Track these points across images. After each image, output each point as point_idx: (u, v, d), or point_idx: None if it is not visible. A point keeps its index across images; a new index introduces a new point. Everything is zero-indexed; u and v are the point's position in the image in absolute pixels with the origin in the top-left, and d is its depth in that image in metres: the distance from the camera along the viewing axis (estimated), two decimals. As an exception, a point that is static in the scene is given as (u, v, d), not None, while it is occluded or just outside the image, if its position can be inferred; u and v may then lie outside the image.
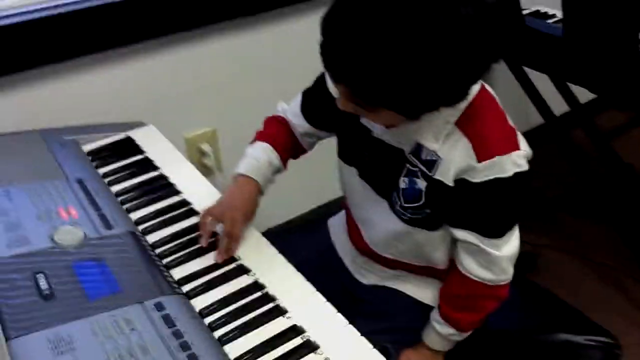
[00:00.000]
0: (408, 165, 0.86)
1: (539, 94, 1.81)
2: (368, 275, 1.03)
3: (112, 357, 0.70)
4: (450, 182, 0.82)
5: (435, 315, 0.95)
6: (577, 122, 1.91)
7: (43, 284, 0.80)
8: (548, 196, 2.02)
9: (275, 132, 1.04)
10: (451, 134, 0.82)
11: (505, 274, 0.88)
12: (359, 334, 0.77)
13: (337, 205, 1.14)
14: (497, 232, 0.85)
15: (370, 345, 0.76)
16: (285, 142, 1.03)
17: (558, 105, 1.85)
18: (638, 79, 1.40)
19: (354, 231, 1.03)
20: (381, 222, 0.94)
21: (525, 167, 0.82)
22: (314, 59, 1.43)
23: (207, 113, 1.54)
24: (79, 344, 0.71)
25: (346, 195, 1.03)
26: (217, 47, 1.49)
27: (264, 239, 0.95)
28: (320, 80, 0.99)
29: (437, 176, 0.83)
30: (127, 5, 1.30)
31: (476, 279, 0.88)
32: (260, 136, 1.04)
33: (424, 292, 0.99)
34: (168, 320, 0.76)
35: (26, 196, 0.98)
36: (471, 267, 0.88)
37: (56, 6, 1.24)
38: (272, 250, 0.92)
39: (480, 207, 0.83)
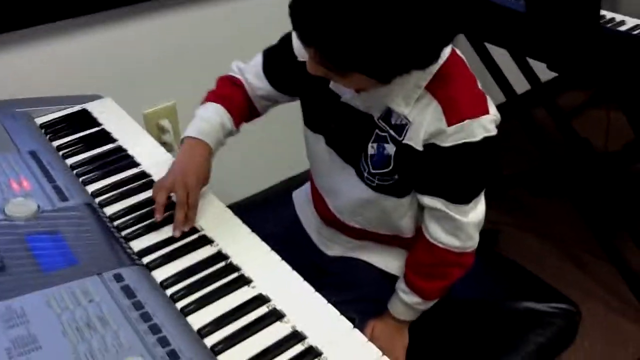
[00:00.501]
0: (377, 131, 0.85)
1: (501, 71, 1.82)
2: (333, 247, 1.02)
3: (68, 329, 0.67)
4: (419, 147, 0.81)
5: (401, 284, 0.94)
6: (538, 100, 1.93)
7: (-7, 256, 0.76)
8: (508, 174, 2.05)
9: (229, 94, 0.99)
10: (421, 97, 0.81)
11: (471, 241, 0.88)
12: (325, 301, 0.76)
13: (302, 178, 1.13)
14: (464, 198, 0.84)
15: (338, 313, 0.75)
16: (239, 104, 0.99)
17: (520, 85, 1.87)
18: (598, 56, 1.42)
19: (319, 202, 1.01)
20: (348, 190, 0.92)
21: (494, 132, 0.81)
22: (276, 31, 1.41)
23: (166, 87, 1.50)
24: (33, 317, 0.68)
25: (312, 165, 1.01)
26: (176, 19, 1.45)
27: (228, 210, 0.92)
28: (285, 41, 0.95)
29: (407, 141, 0.82)
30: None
31: (443, 246, 0.88)
32: (213, 96, 0.99)
33: (389, 262, 0.99)
34: (128, 292, 0.74)
35: (-27, 168, 0.93)
36: (438, 234, 0.88)
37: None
38: (236, 221, 0.90)
39: (448, 173, 0.83)
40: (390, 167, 0.85)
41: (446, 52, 0.81)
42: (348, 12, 0.67)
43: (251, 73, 0.99)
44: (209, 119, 0.95)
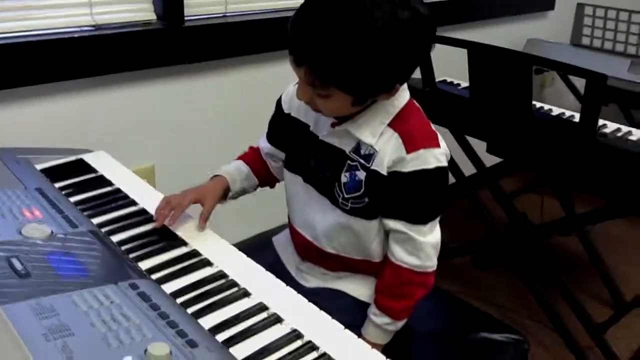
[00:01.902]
0: (349, 162, 1.02)
1: (453, 158, 2.04)
2: (310, 279, 1.14)
3: (96, 322, 0.75)
4: (384, 172, 0.98)
5: (372, 308, 1.06)
6: (482, 182, 2.16)
7: (18, 265, 0.83)
8: (454, 245, 2.23)
9: (247, 153, 1.24)
10: (385, 132, 0.99)
11: (430, 261, 1.02)
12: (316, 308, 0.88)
13: (280, 228, 1.26)
14: (422, 219, 1.00)
15: (317, 308, 0.87)
16: (254, 159, 1.22)
17: (466, 168, 2.10)
18: (530, 138, 1.65)
19: (297, 238, 1.14)
20: (323, 218, 1.07)
21: (444, 163, 0.99)
22: (253, 106, 1.59)
23: (146, 149, 1.61)
24: (62, 312, 0.75)
25: (290, 205, 1.16)
26: (160, 88, 1.59)
27: (225, 241, 1.03)
28: (277, 103, 1.17)
29: (374, 167, 0.99)
30: (73, 42, 1.38)
31: (405, 265, 1.02)
32: (237, 158, 1.23)
33: (362, 290, 1.10)
34: (144, 297, 0.82)
35: (-13, 199, 1.01)
36: (401, 255, 1.02)
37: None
38: (232, 248, 1.01)
39: (408, 196, 0.99)
40: (362, 191, 1.01)
41: (406, 96, 1.01)
42: (334, 36, 0.87)
43: (262, 139, 1.23)
44: (227, 166, 1.19)
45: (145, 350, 0.71)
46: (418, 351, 1.14)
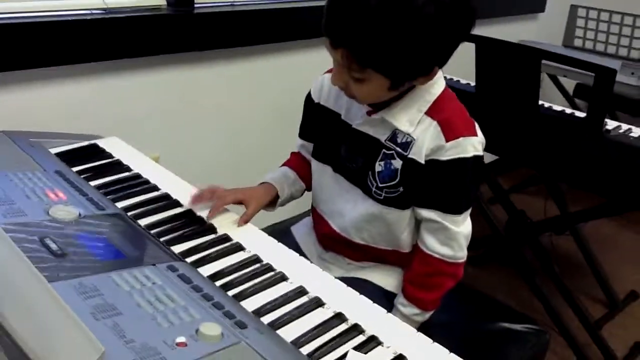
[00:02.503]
0: (384, 150, 1.01)
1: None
2: (334, 269, 1.12)
3: (142, 302, 0.72)
4: (422, 160, 0.97)
5: (399, 298, 1.05)
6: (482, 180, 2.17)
7: (52, 245, 0.80)
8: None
9: (291, 158, 1.25)
10: (423, 120, 0.98)
11: (462, 251, 1.02)
12: (352, 290, 0.87)
13: (298, 218, 1.25)
14: (456, 208, 0.99)
15: (356, 292, 0.86)
16: (298, 163, 1.22)
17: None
18: (538, 136, 1.66)
19: (323, 226, 1.12)
20: (354, 208, 1.05)
21: (481, 153, 0.99)
22: (261, 96, 1.56)
23: (153, 139, 1.58)
24: (106, 292, 0.73)
25: (317, 194, 1.14)
26: (168, 76, 1.56)
27: (255, 227, 1.01)
28: (306, 98, 1.16)
29: (412, 155, 0.98)
30: (84, 24, 1.34)
31: (437, 255, 1.01)
32: (281, 165, 1.23)
33: (387, 280, 1.10)
34: (184, 279, 0.80)
35: (7, 180, 0.97)
36: (433, 245, 1.01)
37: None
38: (264, 235, 0.99)
39: (445, 185, 0.98)
40: (397, 180, 1.00)
41: (442, 84, 1.00)
42: (373, 16, 0.85)
43: (297, 139, 1.22)
44: (274, 172, 1.20)
45: (197, 330, 0.69)
46: (438, 341, 1.13)
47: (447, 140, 0.95)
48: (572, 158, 1.63)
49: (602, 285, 2.23)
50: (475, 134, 0.98)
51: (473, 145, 0.97)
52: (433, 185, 0.98)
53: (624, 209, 1.99)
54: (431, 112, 0.98)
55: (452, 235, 1.00)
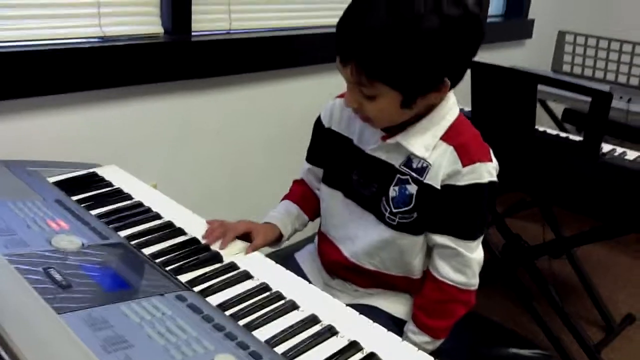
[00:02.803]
0: (399, 175, 0.99)
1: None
2: (341, 296, 1.10)
3: (153, 334, 0.70)
4: (438, 186, 0.96)
5: (409, 326, 1.03)
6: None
7: (57, 275, 0.78)
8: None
9: (294, 189, 1.23)
10: (438, 146, 0.97)
11: (475, 279, 1.01)
12: (364, 318, 0.85)
13: (300, 245, 1.24)
14: (471, 234, 0.98)
15: (370, 320, 0.84)
16: (301, 193, 1.20)
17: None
18: (534, 160, 1.66)
19: (332, 253, 1.10)
20: (366, 234, 1.04)
21: (495, 179, 0.98)
22: (259, 125, 1.54)
23: (149, 167, 1.56)
24: (115, 323, 0.71)
25: (326, 219, 1.12)
26: (165, 104, 1.55)
27: (260, 254, 0.99)
28: (316, 123, 1.15)
29: (427, 180, 0.97)
30: (81, 52, 1.33)
31: (451, 282, 0.99)
32: (283, 197, 1.21)
33: (396, 306, 1.08)
34: (194, 309, 0.78)
35: (7, 209, 0.95)
36: (446, 271, 0.99)
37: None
38: (270, 262, 0.97)
39: (460, 210, 0.97)
40: (412, 205, 0.99)
41: (456, 110, 1.00)
42: (378, 27, 0.86)
43: (304, 164, 1.21)
44: (275, 210, 1.17)
45: (212, 362, 0.67)
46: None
47: (463, 165, 0.95)
48: (568, 181, 1.63)
49: (598, 308, 2.22)
50: (491, 160, 0.98)
51: (489, 171, 0.96)
52: (448, 210, 0.97)
53: (620, 232, 1.99)
54: (447, 138, 0.97)
55: (465, 262, 0.99)
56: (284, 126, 1.85)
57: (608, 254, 2.74)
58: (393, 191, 1.00)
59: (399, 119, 0.97)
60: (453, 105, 0.99)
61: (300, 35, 1.80)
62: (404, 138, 0.98)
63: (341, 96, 1.11)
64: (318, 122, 1.14)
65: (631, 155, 1.76)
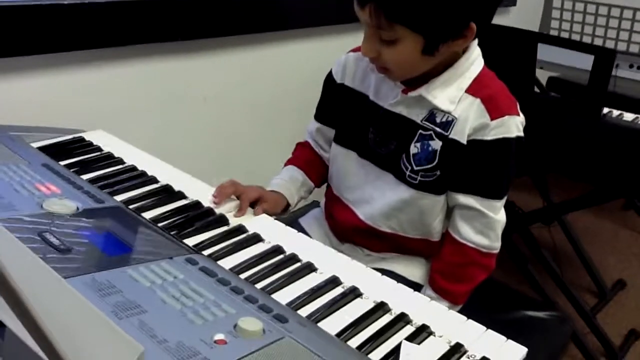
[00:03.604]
0: (421, 131, 0.93)
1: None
2: (352, 262, 1.05)
3: (167, 298, 0.63)
4: (464, 141, 0.90)
5: (427, 290, 0.98)
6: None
7: (54, 240, 0.70)
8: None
9: (297, 153, 1.15)
10: (464, 99, 0.91)
11: (497, 241, 0.96)
12: (389, 279, 0.80)
13: (304, 210, 1.18)
14: (497, 193, 0.93)
15: (393, 280, 0.80)
16: (306, 158, 1.12)
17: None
18: (534, 119, 1.62)
19: (344, 216, 1.04)
20: (383, 195, 0.98)
21: (522, 134, 0.92)
22: (250, 89, 1.45)
23: (136, 134, 1.47)
24: (124, 288, 0.64)
25: (339, 181, 1.06)
26: (151, 67, 1.45)
27: (269, 217, 0.93)
28: (327, 79, 1.08)
29: (453, 135, 0.91)
30: (58, 10, 1.23)
31: (472, 245, 0.94)
32: (287, 162, 1.14)
33: (412, 270, 1.03)
34: (208, 271, 0.71)
35: (-9, 173, 0.87)
36: (468, 233, 0.94)
37: None
38: (281, 225, 0.91)
39: (486, 167, 0.91)
40: (435, 162, 0.93)
41: (481, 62, 0.93)
42: None
43: (308, 129, 1.13)
44: (280, 176, 1.09)
45: (235, 326, 0.60)
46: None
47: (492, 119, 0.89)
48: (568, 144, 1.60)
49: (591, 274, 2.22)
50: (519, 113, 0.92)
51: (516, 124, 0.91)
52: (474, 167, 0.91)
53: (612, 196, 1.98)
54: (472, 90, 0.91)
55: (489, 224, 0.93)
56: (277, 89, 1.78)
57: (594, 221, 2.74)
58: (414, 148, 0.94)
59: (421, 68, 0.90)
60: (478, 56, 0.93)
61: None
62: (427, 91, 0.91)
63: (354, 50, 1.04)
64: (329, 77, 1.07)
65: (628, 116, 1.73)
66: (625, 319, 2.10)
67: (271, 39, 1.72)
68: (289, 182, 1.08)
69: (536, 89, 1.99)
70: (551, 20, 2.60)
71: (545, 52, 2.29)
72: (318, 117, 1.11)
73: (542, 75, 2.63)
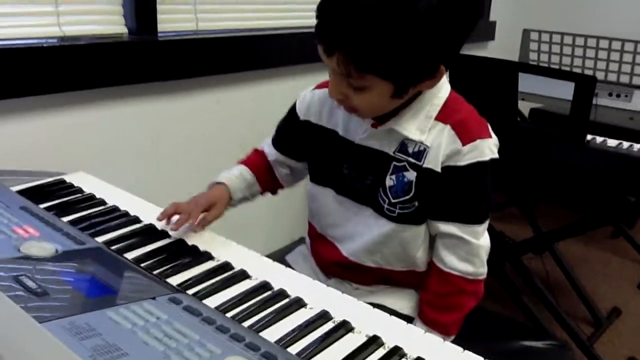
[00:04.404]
0: (394, 163, 0.92)
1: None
2: (342, 297, 1.02)
3: (149, 340, 0.60)
4: (438, 169, 0.89)
5: (417, 323, 0.96)
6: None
7: (30, 283, 0.67)
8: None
9: (252, 157, 1.12)
10: (434, 127, 0.90)
11: (483, 267, 0.94)
12: (380, 312, 0.77)
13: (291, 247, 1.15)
14: (477, 218, 0.91)
15: (385, 313, 0.77)
16: (259, 164, 1.10)
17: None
18: (519, 148, 1.63)
19: (328, 252, 1.02)
20: (365, 230, 0.96)
21: (496, 155, 0.92)
22: (230, 128, 1.40)
23: (117, 175, 1.45)
24: (104, 331, 0.61)
25: (319, 219, 1.04)
26: (131, 109, 1.44)
27: (253, 252, 0.90)
28: (290, 110, 1.06)
29: (427, 165, 0.90)
30: (40, 52, 1.22)
31: (457, 273, 0.92)
32: (239, 162, 1.11)
33: (402, 302, 1.00)
34: (192, 311, 0.68)
35: (-34, 219, 0.84)
36: (452, 262, 0.92)
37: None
38: (267, 260, 0.88)
39: (463, 192, 0.90)
40: (412, 193, 0.91)
41: (448, 87, 0.93)
42: (370, 12, 0.76)
43: (266, 143, 1.11)
44: (230, 171, 1.06)
45: (222, 367, 0.57)
46: None
47: (463, 144, 0.88)
48: (554, 171, 1.60)
49: (585, 303, 2.19)
50: (490, 136, 0.91)
51: (489, 147, 0.90)
52: (451, 194, 0.90)
53: (600, 223, 1.97)
54: (442, 117, 0.90)
55: (473, 250, 0.91)
56: (257, 128, 1.77)
57: (584, 250, 2.73)
58: (390, 180, 0.92)
59: (389, 109, 0.89)
60: (444, 82, 0.92)
61: (271, 35, 1.74)
62: (396, 123, 0.90)
63: (319, 87, 1.03)
64: (293, 111, 1.06)
65: (612, 142, 1.74)
66: (623, 346, 2.07)
67: (253, 77, 1.72)
68: (238, 178, 1.06)
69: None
70: (529, 52, 2.65)
71: (526, 83, 2.32)
72: (279, 147, 1.09)
73: (525, 107, 2.66)
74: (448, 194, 0.90)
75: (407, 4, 0.77)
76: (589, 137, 1.75)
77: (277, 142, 1.09)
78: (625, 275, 2.54)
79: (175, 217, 0.93)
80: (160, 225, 0.94)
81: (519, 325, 1.16)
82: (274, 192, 1.15)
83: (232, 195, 1.03)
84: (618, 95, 2.41)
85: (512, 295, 1.91)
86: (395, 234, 0.94)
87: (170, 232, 0.92)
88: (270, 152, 1.10)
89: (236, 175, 1.06)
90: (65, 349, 0.48)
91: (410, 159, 0.91)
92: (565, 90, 2.43)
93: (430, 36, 0.79)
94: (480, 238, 0.92)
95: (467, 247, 0.91)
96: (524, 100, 2.60)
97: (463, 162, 0.88)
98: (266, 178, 1.10)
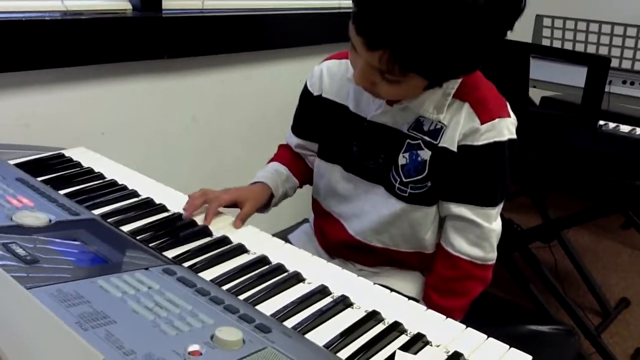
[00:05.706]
0: (408, 140, 0.89)
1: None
2: (345, 277, 0.99)
3: (139, 309, 0.58)
4: (454, 148, 0.86)
5: (422, 307, 0.93)
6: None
7: (20, 251, 0.66)
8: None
9: (280, 153, 1.11)
10: (452, 104, 0.87)
11: (493, 252, 0.91)
12: (381, 288, 0.74)
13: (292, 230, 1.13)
14: (490, 200, 0.88)
15: (385, 288, 0.74)
16: (288, 157, 1.08)
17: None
18: (530, 131, 1.59)
19: (333, 231, 1.00)
20: (374, 209, 0.93)
21: (514, 135, 0.88)
22: (235, 108, 1.37)
23: (119, 154, 1.43)
24: (92, 298, 0.59)
25: (326, 196, 1.01)
26: (135, 86, 1.42)
27: (256, 228, 0.88)
28: (303, 92, 1.04)
29: (442, 144, 0.86)
30: (38, 26, 1.19)
31: (466, 257, 0.89)
32: (269, 161, 1.10)
33: (407, 285, 0.97)
34: (186, 282, 0.66)
35: (-40, 188, 0.82)
36: (461, 246, 0.89)
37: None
38: (267, 235, 0.86)
39: (478, 173, 0.87)
40: (425, 173, 0.88)
41: None
42: (424, 16, 0.70)
43: (288, 135, 1.10)
44: (264, 170, 1.06)
45: (212, 336, 0.55)
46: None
47: (482, 123, 0.84)
48: (565, 157, 1.56)
49: (593, 293, 2.16)
50: (509, 115, 0.88)
51: (507, 127, 0.86)
52: (466, 175, 0.87)
53: (610, 210, 1.93)
54: (460, 94, 0.87)
55: (483, 234, 0.88)
56: (262, 108, 1.75)
57: (594, 240, 2.69)
58: (402, 158, 0.89)
59: (417, 96, 0.86)
60: None
61: (279, 15, 1.70)
62: (412, 100, 0.87)
63: (330, 58, 1.00)
64: (305, 91, 1.02)
65: (625, 128, 1.70)
66: (630, 337, 2.03)
67: (259, 58, 1.69)
68: (274, 174, 1.03)
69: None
70: (542, 38, 2.59)
71: (537, 70, 2.28)
72: (298, 132, 1.07)
73: (536, 95, 2.61)
74: (462, 175, 0.87)
75: (458, 2, 0.71)
76: (601, 122, 1.71)
77: (296, 129, 1.07)
78: (636, 266, 2.50)
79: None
80: (158, 199, 0.92)
81: (525, 310, 1.14)
82: (312, 183, 1.10)
83: (273, 191, 1.00)
84: (632, 83, 2.35)
85: (520, 284, 1.88)
86: (404, 214, 0.91)
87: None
88: (292, 141, 1.07)
89: (271, 172, 1.04)
90: (50, 315, 0.46)
91: (426, 137, 0.88)
92: (577, 78, 2.38)
93: (478, 34, 0.74)
94: (493, 222, 0.89)
95: (478, 230, 0.88)
96: (535, 87, 2.56)
97: (480, 142, 0.85)
98: (299, 169, 1.08)
